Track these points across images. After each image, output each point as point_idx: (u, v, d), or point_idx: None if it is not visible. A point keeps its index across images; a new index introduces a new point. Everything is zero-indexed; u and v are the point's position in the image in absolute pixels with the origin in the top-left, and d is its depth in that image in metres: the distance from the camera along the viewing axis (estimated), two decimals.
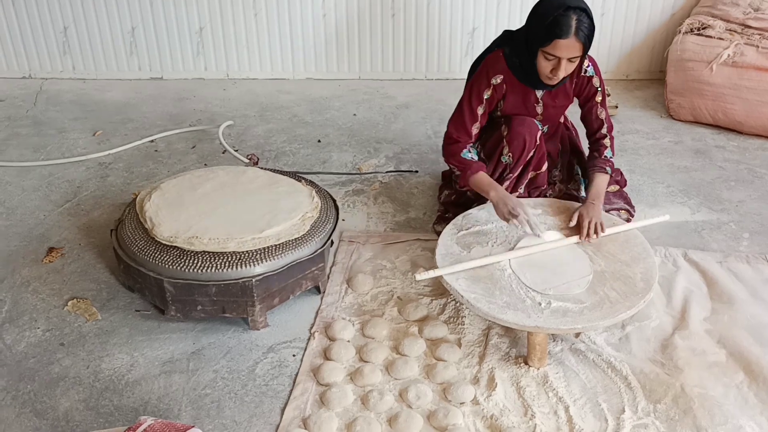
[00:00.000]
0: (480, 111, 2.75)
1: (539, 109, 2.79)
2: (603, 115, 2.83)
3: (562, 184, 3.00)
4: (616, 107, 4.08)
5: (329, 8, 4.39)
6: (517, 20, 4.37)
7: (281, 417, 2.20)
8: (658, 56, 4.44)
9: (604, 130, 2.84)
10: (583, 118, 2.88)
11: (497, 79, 2.71)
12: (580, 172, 3.01)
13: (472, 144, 2.78)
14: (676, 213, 3.17)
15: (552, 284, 2.37)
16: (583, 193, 2.97)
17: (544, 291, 2.34)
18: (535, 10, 2.57)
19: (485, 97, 2.73)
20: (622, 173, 3.19)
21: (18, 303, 2.68)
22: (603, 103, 2.82)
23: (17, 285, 2.77)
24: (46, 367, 2.40)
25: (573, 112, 3.03)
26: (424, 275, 2.39)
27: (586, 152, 3.03)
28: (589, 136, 2.90)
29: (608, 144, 2.83)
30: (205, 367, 2.39)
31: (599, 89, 2.78)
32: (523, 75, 2.69)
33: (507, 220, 2.58)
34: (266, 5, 4.39)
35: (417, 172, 3.51)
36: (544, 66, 2.54)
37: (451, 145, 2.79)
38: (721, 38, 3.82)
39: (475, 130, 2.77)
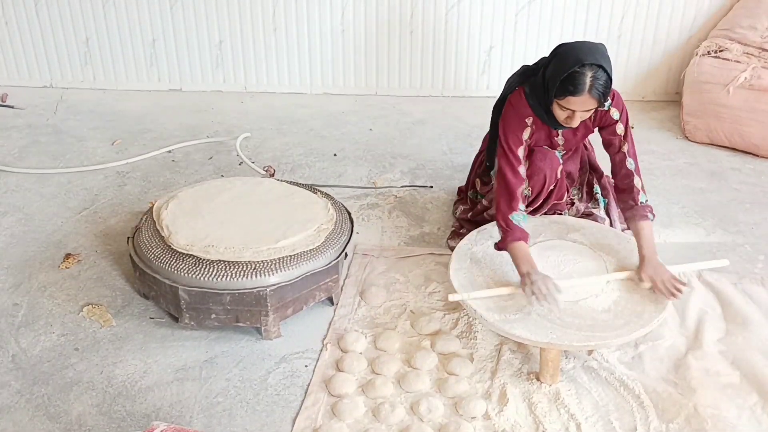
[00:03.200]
0: (521, 153, 2.64)
1: (560, 141, 2.78)
2: (626, 148, 2.66)
3: (581, 203, 2.99)
4: (632, 127, 4.07)
5: (347, 24, 4.43)
6: (534, 39, 4.40)
7: (292, 427, 2.21)
8: (675, 78, 4.45)
9: (629, 165, 2.65)
10: (606, 148, 2.74)
11: (529, 120, 2.65)
12: (599, 191, 3.01)
13: (522, 204, 2.60)
14: (691, 234, 3.16)
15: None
16: (602, 213, 2.96)
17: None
18: (554, 58, 2.51)
19: (525, 137, 2.65)
20: None
21: (34, 307, 2.70)
22: (626, 137, 2.67)
23: (34, 290, 2.80)
24: (61, 371, 2.42)
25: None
26: (456, 297, 2.39)
27: (605, 170, 3.03)
28: (614, 174, 2.72)
29: (639, 187, 2.63)
30: (217, 375, 2.41)
31: (618, 121, 2.66)
32: (542, 116, 2.65)
33: (528, 296, 2.36)
34: (285, 20, 4.44)
35: (432, 187, 3.52)
36: (560, 114, 2.53)
37: (504, 199, 2.57)
38: (738, 61, 3.83)
39: (523, 173, 2.63)
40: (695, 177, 3.66)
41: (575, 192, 3.01)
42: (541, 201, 2.80)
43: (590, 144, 3.11)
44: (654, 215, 2.60)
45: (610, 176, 2.82)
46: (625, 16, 4.33)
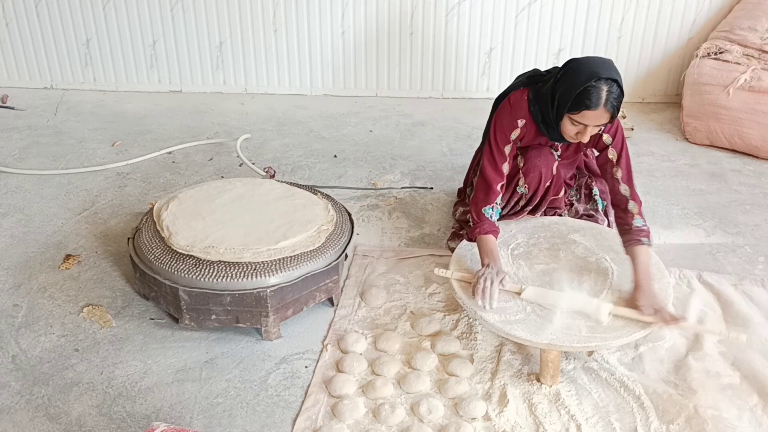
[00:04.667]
0: (507, 150, 2.67)
1: (556, 154, 2.79)
2: (619, 175, 2.60)
3: (580, 204, 3.00)
4: (632, 129, 4.09)
5: (348, 26, 4.44)
6: (534, 40, 4.41)
7: (292, 427, 2.21)
8: (675, 80, 4.46)
9: (623, 191, 2.59)
10: (600, 169, 2.75)
11: (521, 122, 2.65)
12: (598, 193, 3.01)
13: (499, 198, 2.64)
14: (691, 235, 3.16)
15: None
16: (601, 215, 2.96)
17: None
18: (566, 72, 2.48)
19: (512, 137, 2.66)
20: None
21: (34, 308, 2.70)
22: (620, 162, 2.61)
23: (34, 290, 2.80)
24: (61, 372, 2.41)
25: None
26: (441, 272, 2.47)
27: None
28: (611, 196, 2.66)
29: (635, 211, 2.55)
30: (217, 376, 2.40)
31: (611, 147, 2.61)
32: (544, 127, 2.64)
33: (473, 291, 2.38)
34: (285, 22, 4.45)
35: (432, 188, 3.52)
36: (570, 129, 2.50)
37: (481, 192, 2.64)
38: (738, 63, 3.83)
39: (505, 169, 2.66)
40: (695, 178, 3.66)
41: (573, 193, 3.02)
42: (539, 198, 2.81)
43: (590, 151, 3.10)
44: (650, 240, 2.52)
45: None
46: (625, 18, 4.34)
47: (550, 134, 2.65)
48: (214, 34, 4.51)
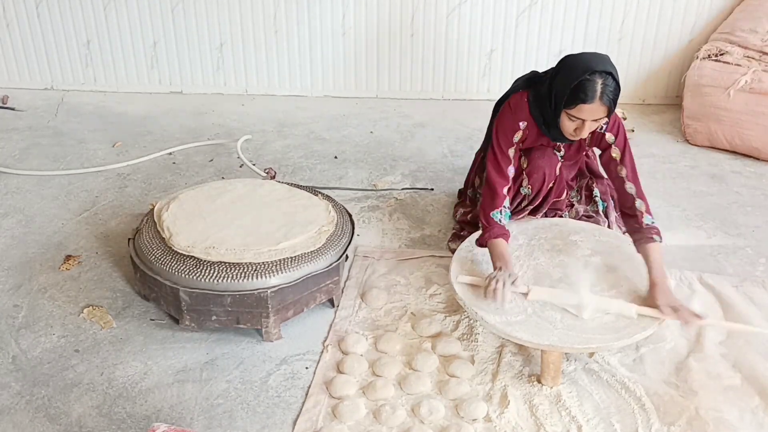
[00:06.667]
0: (511, 153, 2.67)
1: (559, 154, 2.79)
2: (623, 173, 2.62)
3: (580, 205, 2.99)
4: (632, 131, 4.08)
5: (349, 27, 4.43)
6: (534, 42, 4.41)
7: (293, 429, 2.20)
8: (675, 81, 4.45)
9: (629, 190, 2.60)
10: (605, 169, 2.73)
11: (523, 124, 2.66)
12: (599, 195, 3.00)
13: (507, 201, 2.63)
14: (692, 236, 3.16)
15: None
16: (601, 216, 2.96)
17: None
18: (561, 69, 2.52)
19: (515, 140, 2.67)
20: None
21: (34, 309, 2.70)
22: (623, 160, 2.62)
23: (34, 291, 2.79)
24: (61, 372, 2.41)
25: None
26: (465, 279, 2.42)
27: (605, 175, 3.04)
28: (618, 197, 2.68)
29: (643, 209, 2.57)
30: (218, 377, 2.40)
31: (613, 145, 2.63)
32: (544, 127, 2.66)
33: (485, 293, 2.37)
34: (286, 23, 4.45)
35: (432, 189, 3.52)
36: (568, 125, 2.52)
37: (488, 197, 2.63)
38: (738, 64, 3.83)
39: (510, 172, 2.66)
40: (696, 180, 3.66)
41: (574, 194, 3.02)
42: (541, 199, 2.81)
43: (592, 152, 3.11)
44: (661, 237, 2.53)
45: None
46: (626, 20, 4.33)
47: (552, 134, 2.65)
48: (214, 35, 4.51)
